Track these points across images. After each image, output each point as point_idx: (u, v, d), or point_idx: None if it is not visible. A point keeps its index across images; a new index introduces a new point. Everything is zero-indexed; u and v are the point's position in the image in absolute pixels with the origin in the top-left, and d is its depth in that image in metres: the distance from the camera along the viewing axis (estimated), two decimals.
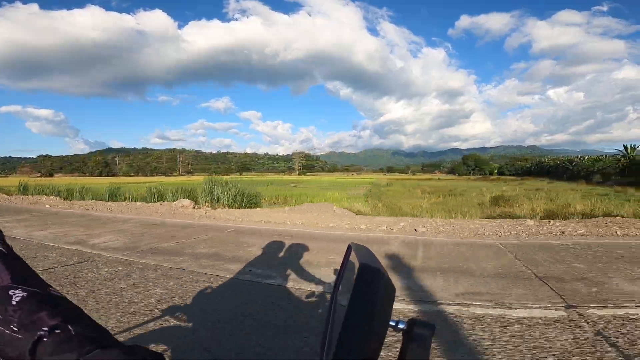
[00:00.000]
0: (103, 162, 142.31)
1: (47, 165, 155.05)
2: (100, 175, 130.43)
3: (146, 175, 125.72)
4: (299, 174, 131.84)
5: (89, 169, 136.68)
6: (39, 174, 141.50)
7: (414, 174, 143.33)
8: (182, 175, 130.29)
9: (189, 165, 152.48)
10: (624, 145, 37.91)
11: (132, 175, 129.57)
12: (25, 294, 0.37)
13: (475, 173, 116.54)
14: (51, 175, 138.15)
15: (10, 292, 0.36)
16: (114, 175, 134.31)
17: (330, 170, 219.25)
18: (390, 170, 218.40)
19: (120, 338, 1.19)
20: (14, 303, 0.36)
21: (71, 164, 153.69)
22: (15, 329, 0.34)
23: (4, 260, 0.40)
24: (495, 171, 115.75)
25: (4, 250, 0.42)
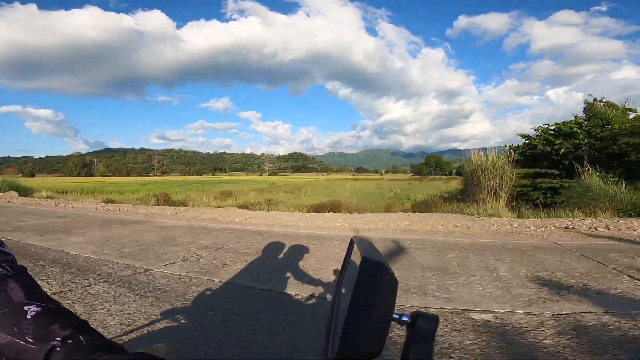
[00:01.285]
0: (81, 163, 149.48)
1: (30, 166, 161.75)
2: (78, 175, 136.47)
3: (122, 176, 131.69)
4: (269, 175, 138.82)
5: (69, 170, 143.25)
6: (21, 174, 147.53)
7: (382, 174, 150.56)
8: (157, 176, 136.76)
9: (163, 167, 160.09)
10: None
11: (109, 176, 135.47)
12: (39, 309, 0.40)
13: (437, 173, 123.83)
14: (33, 175, 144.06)
15: (25, 308, 0.40)
16: (91, 175, 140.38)
17: (324, 170, 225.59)
18: (359, 170, 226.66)
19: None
20: (28, 317, 0.39)
21: (53, 164, 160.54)
22: (30, 340, 0.38)
23: (17, 280, 0.44)
24: (454, 171, 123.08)
25: (17, 270, 0.46)
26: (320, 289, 2.75)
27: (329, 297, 2.53)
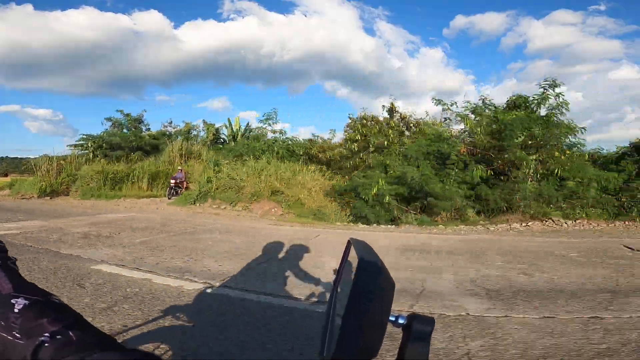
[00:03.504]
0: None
1: (4, 166, 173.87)
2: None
3: None
4: None
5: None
6: None
7: None
8: None
9: None
10: None
11: None
12: (27, 302, 0.39)
13: None
14: (6, 175, 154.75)
15: (13, 301, 0.38)
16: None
17: None
18: None
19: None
20: (16, 311, 0.37)
21: (24, 164, 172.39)
22: (18, 335, 0.36)
23: (6, 271, 0.42)
24: None
25: (6, 261, 0.45)
26: None
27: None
